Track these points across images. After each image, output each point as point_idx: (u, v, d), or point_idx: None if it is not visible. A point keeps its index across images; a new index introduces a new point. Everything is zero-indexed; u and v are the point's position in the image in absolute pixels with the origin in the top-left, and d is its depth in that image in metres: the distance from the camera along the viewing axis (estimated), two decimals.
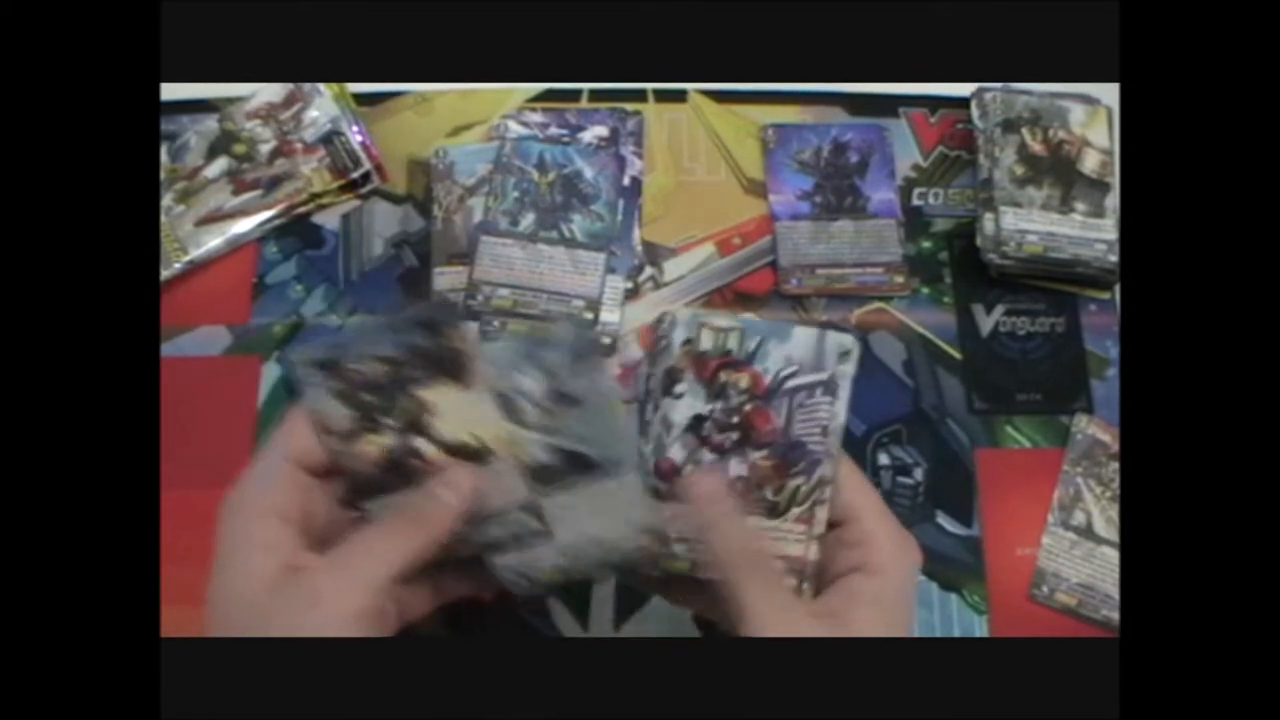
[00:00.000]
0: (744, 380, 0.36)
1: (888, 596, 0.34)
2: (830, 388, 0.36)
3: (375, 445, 0.35)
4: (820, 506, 0.36)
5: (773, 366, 0.36)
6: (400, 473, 0.35)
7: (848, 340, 0.37)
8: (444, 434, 0.36)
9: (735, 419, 0.36)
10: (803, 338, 0.37)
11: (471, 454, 0.36)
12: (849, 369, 0.37)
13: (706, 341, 0.37)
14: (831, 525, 0.36)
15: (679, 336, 0.37)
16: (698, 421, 0.36)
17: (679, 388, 0.37)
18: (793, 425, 0.36)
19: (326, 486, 0.36)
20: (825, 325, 0.55)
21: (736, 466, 0.36)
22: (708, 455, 0.37)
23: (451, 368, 0.35)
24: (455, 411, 0.36)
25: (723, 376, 0.36)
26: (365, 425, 0.35)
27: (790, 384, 0.37)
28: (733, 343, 0.37)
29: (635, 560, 0.36)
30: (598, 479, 0.36)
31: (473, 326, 0.35)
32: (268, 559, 0.32)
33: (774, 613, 0.33)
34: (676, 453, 0.36)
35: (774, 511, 0.36)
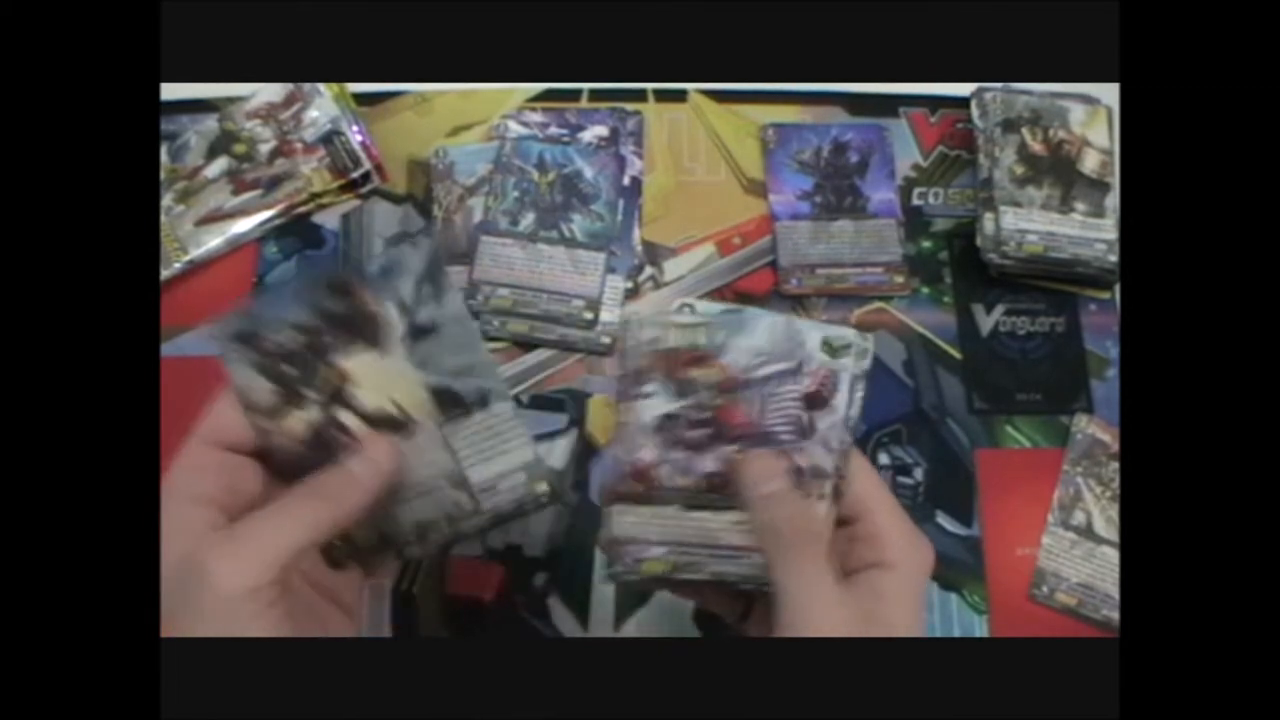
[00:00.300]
0: (713, 374, 0.36)
1: (902, 592, 0.35)
2: (798, 374, 0.36)
3: (300, 420, 0.35)
4: (821, 501, 0.36)
5: (740, 359, 0.36)
6: (326, 448, 0.35)
7: (849, 334, 0.37)
8: (365, 404, 0.35)
9: (706, 414, 0.36)
10: (767, 326, 0.36)
11: (394, 424, 0.35)
12: (849, 363, 0.36)
13: (674, 339, 0.36)
14: (844, 522, 0.36)
15: (646, 335, 0.36)
16: (668, 420, 0.36)
17: (647, 387, 0.36)
18: (765, 416, 0.36)
19: (259, 465, 0.35)
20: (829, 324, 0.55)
21: (711, 462, 0.36)
22: (679, 454, 0.36)
23: (366, 331, 0.34)
24: (374, 378, 0.35)
25: (692, 373, 0.36)
26: (288, 399, 0.35)
27: (759, 374, 0.36)
28: (700, 337, 0.36)
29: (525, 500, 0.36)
30: (472, 414, 0.36)
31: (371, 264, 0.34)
32: (175, 545, 0.32)
33: (811, 597, 0.33)
34: (648, 453, 0.36)
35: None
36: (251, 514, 0.32)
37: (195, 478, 0.33)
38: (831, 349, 0.37)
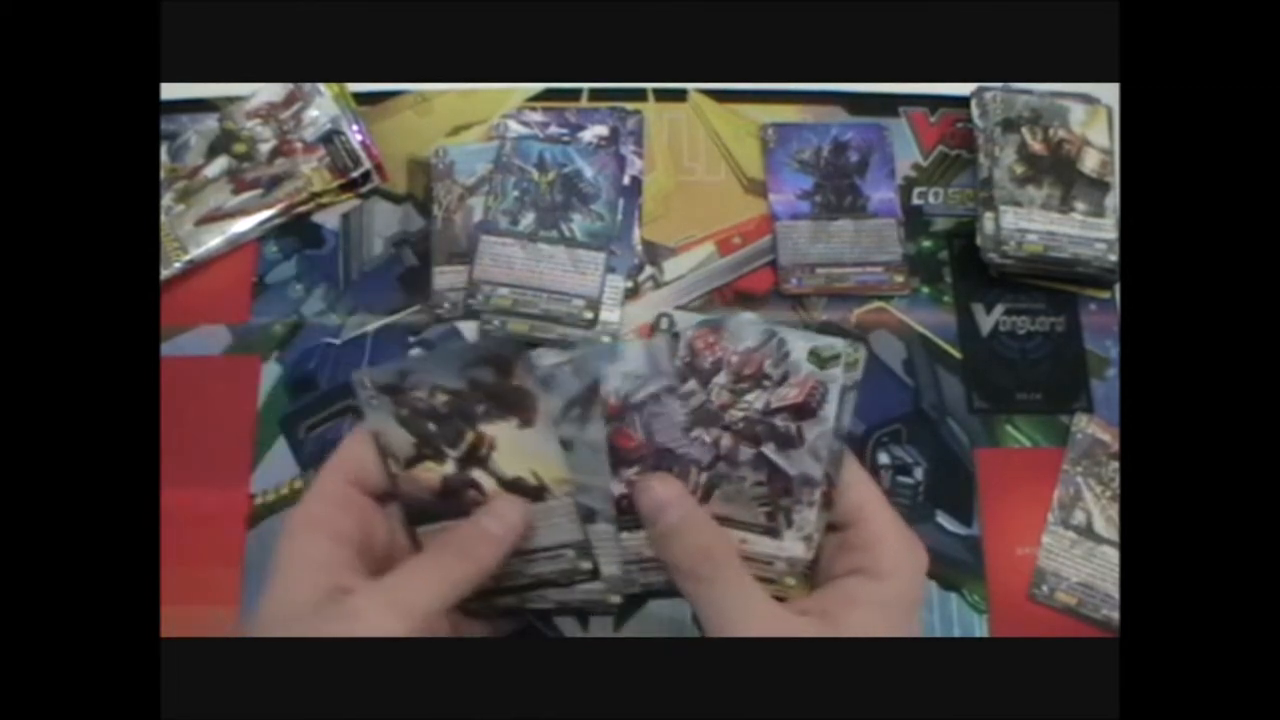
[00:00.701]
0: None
1: (892, 600, 0.34)
2: (671, 390, 0.37)
3: (434, 473, 0.36)
4: (809, 508, 0.36)
5: (619, 386, 0.37)
6: (457, 501, 0.36)
7: (838, 344, 0.37)
8: (503, 469, 0.36)
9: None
10: (632, 351, 0.37)
11: (528, 490, 0.36)
12: (838, 373, 0.36)
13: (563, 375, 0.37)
14: (837, 528, 0.36)
15: (542, 372, 0.37)
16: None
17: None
18: (654, 435, 0.37)
19: (387, 510, 0.36)
20: (824, 326, 0.55)
21: (616, 486, 0.37)
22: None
23: (515, 405, 0.36)
24: (516, 448, 0.36)
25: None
26: (426, 452, 0.36)
27: (636, 398, 0.37)
28: (580, 372, 0.37)
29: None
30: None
31: (536, 363, 0.36)
32: (317, 577, 0.33)
33: (756, 613, 0.33)
34: None
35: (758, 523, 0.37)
36: (403, 566, 0.34)
37: (334, 513, 0.35)
38: (820, 359, 0.37)
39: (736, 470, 0.37)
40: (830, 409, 0.36)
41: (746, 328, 0.37)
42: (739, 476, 0.37)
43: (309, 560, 0.33)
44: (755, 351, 0.37)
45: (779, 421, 0.36)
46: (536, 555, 0.37)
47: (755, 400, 0.37)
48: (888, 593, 0.34)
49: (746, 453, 0.37)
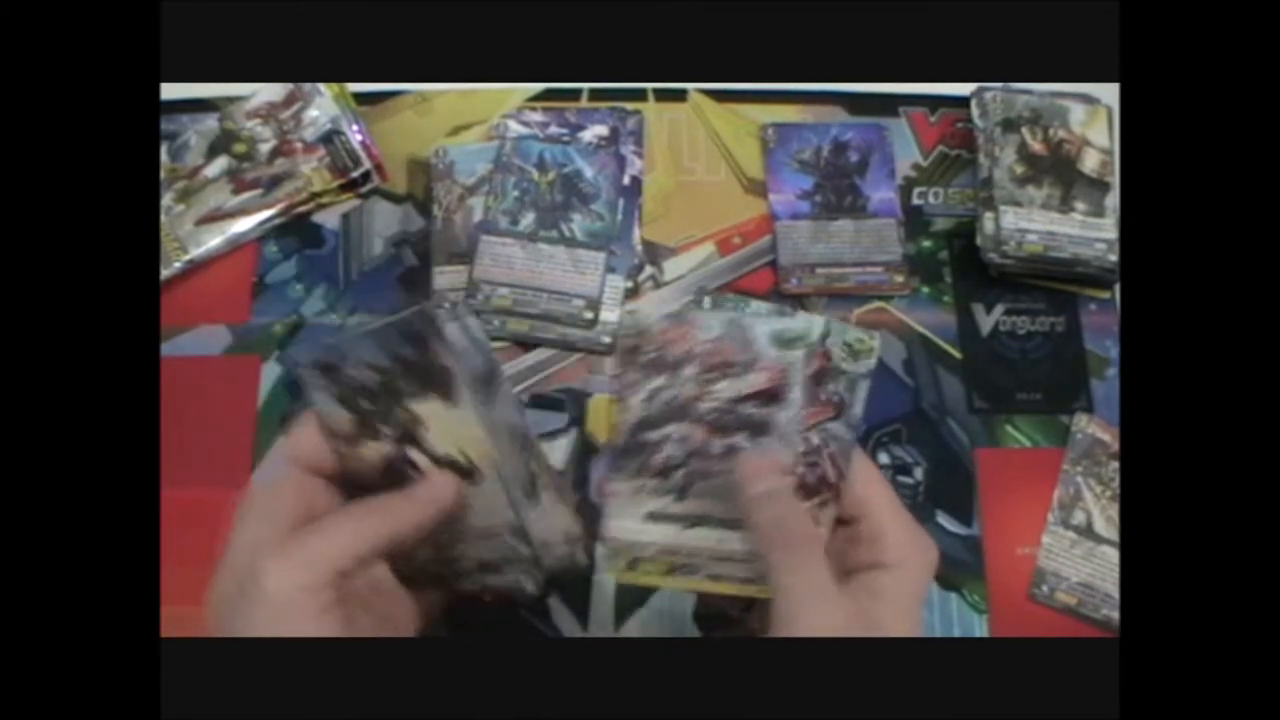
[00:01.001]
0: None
1: (903, 592, 0.34)
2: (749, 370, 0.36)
3: (375, 451, 0.36)
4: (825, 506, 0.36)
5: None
6: (398, 479, 0.36)
7: (799, 325, 0.36)
8: (434, 447, 0.36)
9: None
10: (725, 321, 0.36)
11: (460, 470, 0.36)
12: (798, 356, 0.36)
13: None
14: (845, 522, 0.36)
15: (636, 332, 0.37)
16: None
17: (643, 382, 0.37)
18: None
19: (335, 489, 0.36)
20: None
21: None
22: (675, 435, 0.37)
23: (437, 382, 0.35)
24: (443, 427, 0.36)
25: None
26: (364, 431, 0.36)
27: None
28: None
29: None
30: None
31: (456, 333, 0.35)
32: (240, 557, 0.32)
33: (807, 597, 0.33)
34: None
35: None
36: (317, 522, 0.33)
37: (275, 496, 0.34)
38: (782, 342, 0.36)
39: (710, 464, 0.36)
40: (796, 395, 0.36)
41: (709, 317, 0.36)
42: (715, 471, 0.36)
43: (242, 544, 0.33)
44: (721, 340, 0.36)
45: (749, 409, 0.36)
46: (474, 540, 0.37)
47: (724, 390, 0.36)
48: (899, 584, 0.34)
49: (719, 445, 0.36)
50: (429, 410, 0.35)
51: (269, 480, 0.35)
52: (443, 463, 0.36)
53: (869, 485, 0.36)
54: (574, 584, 0.50)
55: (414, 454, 0.36)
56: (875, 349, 0.36)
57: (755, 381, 0.36)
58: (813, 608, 0.33)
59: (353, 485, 0.36)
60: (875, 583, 0.34)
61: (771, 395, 0.36)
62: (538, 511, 0.37)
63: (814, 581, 0.34)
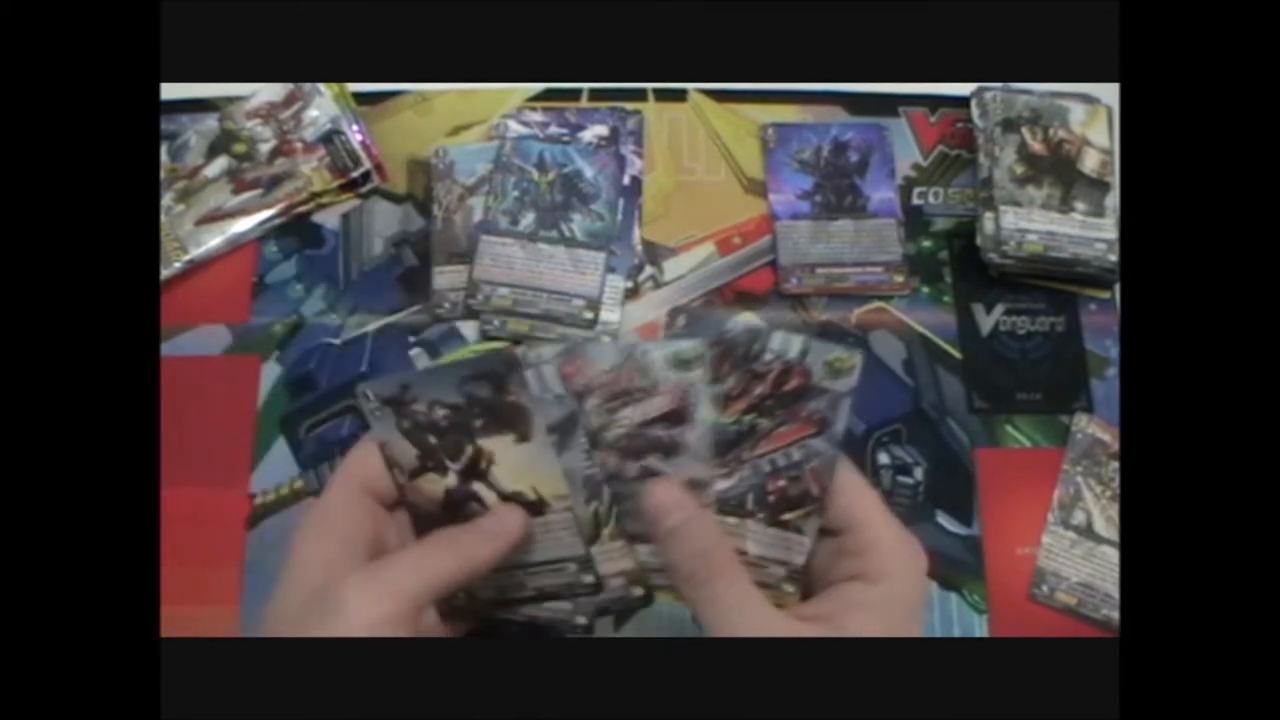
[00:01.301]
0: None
1: (893, 603, 0.34)
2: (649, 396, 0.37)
3: (437, 485, 0.36)
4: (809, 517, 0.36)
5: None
6: (460, 513, 0.36)
7: (694, 347, 0.36)
8: (502, 483, 0.36)
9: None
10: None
11: (528, 505, 0.37)
12: (696, 376, 0.36)
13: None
14: (833, 533, 0.36)
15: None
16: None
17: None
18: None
19: (397, 518, 0.37)
20: (825, 327, 0.55)
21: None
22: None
23: (510, 420, 0.36)
24: (514, 463, 0.36)
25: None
26: (428, 464, 0.36)
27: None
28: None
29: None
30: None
31: (535, 380, 0.36)
32: (317, 576, 0.33)
33: (754, 619, 0.33)
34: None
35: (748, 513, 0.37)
36: (394, 554, 0.34)
37: (344, 516, 0.35)
38: (680, 362, 0.36)
39: (627, 487, 0.37)
40: (701, 413, 0.36)
41: (605, 349, 0.37)
42: (632, 493, 0.37)
43: (313, 561, 0.33)
44: (619, 369, 0.36)
45: (656, 431, 0.36)
46: (538, 568, 0.38)
47: (629, 415, 0.36)
48: (887, 596, 0.34)
49: (633, 469, 0.37)
50: (500, 446, 0.36)
51: (340, 502, 0.35)
52: (509, 497, 0.37)
53: (856, 495, 0.36)
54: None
55: (479, 488, 0.37)
56: (857, 366, 0.36)
57: (658, 405, 0.36)
58: (754, 630, 0.33)
59: (413, 518, 0.37)
60: (852, 594, 0.34)
61: (676, 416, 0.36)
62: (603, 548, 0.38)
63: (749, 604, 0.34)
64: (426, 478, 0.36)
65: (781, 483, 0.36)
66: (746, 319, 0.39)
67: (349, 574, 0.33)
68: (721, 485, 0.37)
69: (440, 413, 0.36)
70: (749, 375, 0.36)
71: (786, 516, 0.36)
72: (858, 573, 0.34)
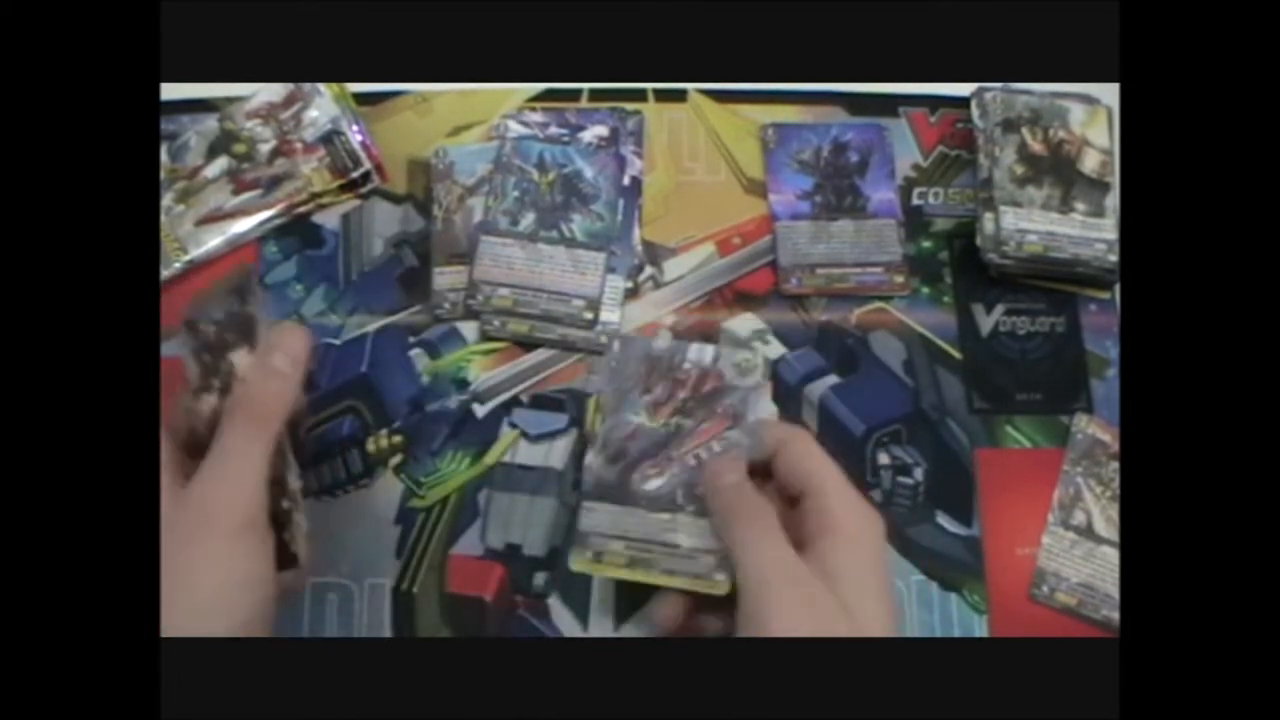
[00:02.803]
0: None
1: (856, 559, 0.36)
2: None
3: (207, 405, 0.38)
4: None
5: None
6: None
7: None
8: None
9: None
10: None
11: None
12: (747, 381, 0.43)
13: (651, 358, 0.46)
14: (795, 500, 0.39)
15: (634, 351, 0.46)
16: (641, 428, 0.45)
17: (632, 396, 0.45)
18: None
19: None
20: (825, 327, 0.55)
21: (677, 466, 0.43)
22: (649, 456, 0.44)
23: (248, 332, 0.37)
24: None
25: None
26: (205, 384, 0.38)
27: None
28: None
29: None
30: None
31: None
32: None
33: (766, 562, 0.36)
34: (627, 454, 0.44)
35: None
36: (215, 449, 0.35)
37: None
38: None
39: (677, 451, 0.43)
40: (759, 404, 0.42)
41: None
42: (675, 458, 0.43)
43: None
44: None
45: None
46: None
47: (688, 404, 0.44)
48: (849, 551, 0.36)
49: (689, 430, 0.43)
50: (243, 361, 0.38)
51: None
52: None
53: (810, 461, 0.39)
54: (574, 584, 0.50)
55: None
56: (760, 365, 0.43)
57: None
58: (773, 573, 0.35)
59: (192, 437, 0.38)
60: (828, 553, 0.36)
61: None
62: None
63: (771, 547, 0.36)
64: (202, 399, 0.38)
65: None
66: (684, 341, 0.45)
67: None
68: (654, 484, 0.42)
69: (210, 329, 0.38)
70: (673, 383, 0.43)
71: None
72: (823, 529, 0.37)
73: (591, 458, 0.43)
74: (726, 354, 0.44)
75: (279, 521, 0.36)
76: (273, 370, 0.36)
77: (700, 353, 0.44)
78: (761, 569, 0.35)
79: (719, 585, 0.40)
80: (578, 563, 0.42)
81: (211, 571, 0.33)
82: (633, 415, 0.43)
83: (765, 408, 0.42)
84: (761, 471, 0.41)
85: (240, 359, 0.37)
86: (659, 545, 0.41)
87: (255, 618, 0.33)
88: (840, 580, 0.35)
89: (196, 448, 0.37)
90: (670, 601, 0.42)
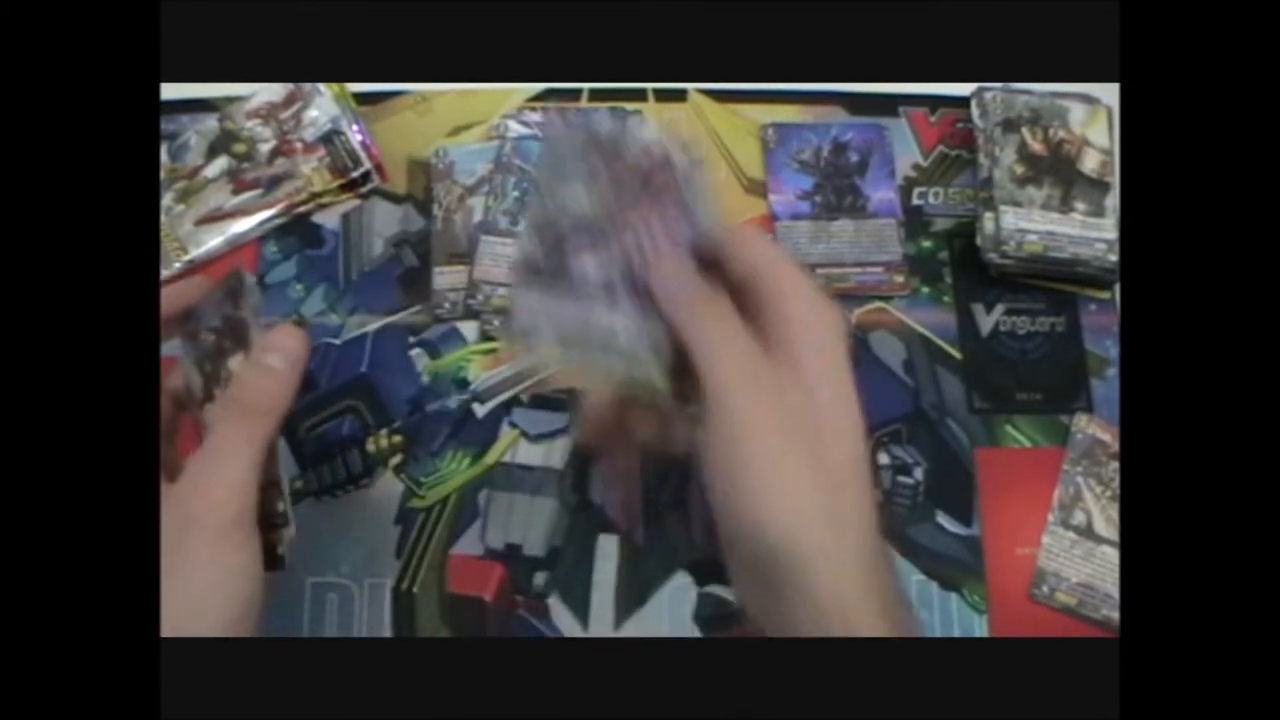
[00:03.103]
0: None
1: (821, 353, 0.33)
2: None
3: (212, 415, 0.37)
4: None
5: None
6: None
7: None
8: None
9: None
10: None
11: None
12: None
13: None
14: (742, 291, 0.35)
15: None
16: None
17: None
18: None
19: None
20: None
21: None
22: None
23: (241, 338, 0.37)
24: None
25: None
26: (207, 395, 0.38)
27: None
28: None
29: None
30: None
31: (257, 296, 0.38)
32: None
33: (724, 349, 0.33)
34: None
35: None
36: (207, 446, 0.35)
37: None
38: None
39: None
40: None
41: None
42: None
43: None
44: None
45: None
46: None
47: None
48: (810, 341, 0.33)
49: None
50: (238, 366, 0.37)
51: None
52: None
53: (756, 247, 0.35)
54: (574, 584, 0.50)
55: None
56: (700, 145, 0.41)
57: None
58: (732, 361, 0.32)
59: None
60: (788, 346, 0.33)
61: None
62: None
63: (727, 333, 0.33)
64: (206, 409, 0.37)
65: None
66: None
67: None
68: (589, 268, 0.37)
69: (209, 338, 0.37)
70: (615, 161, 0.38)
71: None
72: (780, 317, 0.34)
73: (526, 240, 0.39)
74: (671, 140, 0.39)
75: (271, 523, 0.36)
76: (266, 368, 0.36)
77: (645, 130, 0.40)
78: (726, 369, 0.32)
79: (656, 383, 0.36)
80: (507, 344, 0.41)
81: (201, 569, 0.33)
82: (567, 193, 0.38)
83: (704, 189, 0.38)
84: (708, 264, 0.37)
85: (236, 362, 0.37)
86: (594, 338, 0.37)
87: (245, 614, 0.33)
88: (805, 374, 0.32)
89: None
90: (597, 402, 0.39)
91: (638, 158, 0.38)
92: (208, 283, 0.39)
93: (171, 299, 0.39)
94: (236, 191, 0.56)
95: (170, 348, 0.38)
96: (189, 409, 0.38)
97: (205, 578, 0.33)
